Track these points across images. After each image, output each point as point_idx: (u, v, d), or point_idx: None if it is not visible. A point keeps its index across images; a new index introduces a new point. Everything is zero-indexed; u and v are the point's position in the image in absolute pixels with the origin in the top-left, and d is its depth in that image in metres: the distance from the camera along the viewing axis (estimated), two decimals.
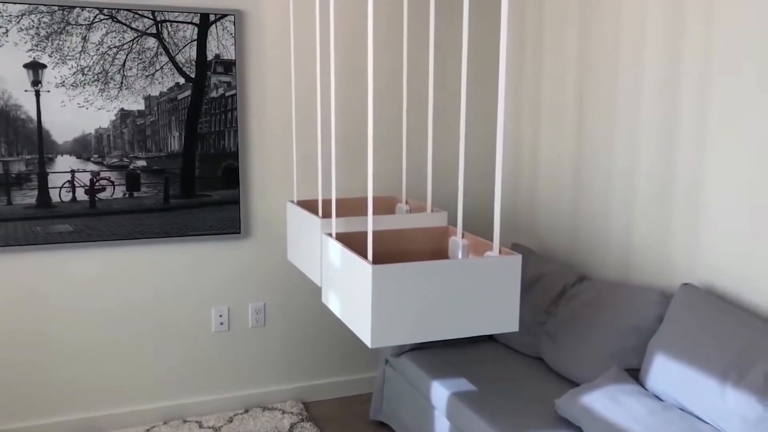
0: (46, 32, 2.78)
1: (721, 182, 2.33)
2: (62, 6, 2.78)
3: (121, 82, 2.92)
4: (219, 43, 3.03)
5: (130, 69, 2.92)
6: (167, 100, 2.99)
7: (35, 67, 2.79)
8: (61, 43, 2.80)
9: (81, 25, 2.82)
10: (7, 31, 2.73)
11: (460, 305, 1.87)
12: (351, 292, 1.94)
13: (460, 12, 3.39)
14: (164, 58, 2.96)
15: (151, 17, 2.91)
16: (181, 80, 3.00)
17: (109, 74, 2.90)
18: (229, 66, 3.06)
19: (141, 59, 2.93)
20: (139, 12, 2.89)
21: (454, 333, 1.88)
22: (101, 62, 2.87)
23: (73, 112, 2.87)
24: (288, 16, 3.11)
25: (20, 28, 2.74)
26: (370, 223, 1.90)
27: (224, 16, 3.01)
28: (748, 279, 2.24)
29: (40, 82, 2.80)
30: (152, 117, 2.99)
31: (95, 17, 2.83)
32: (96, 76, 2.88)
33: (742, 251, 2.26)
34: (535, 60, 3.26)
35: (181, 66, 2.99)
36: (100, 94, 2.89)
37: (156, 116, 2.99)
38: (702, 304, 2.21)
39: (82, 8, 2.81)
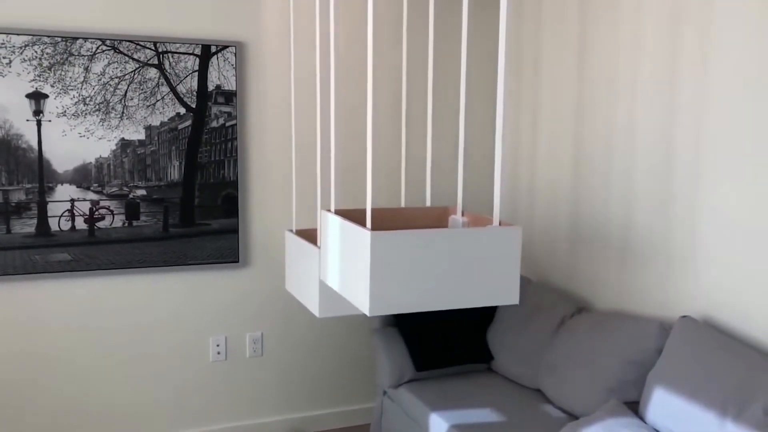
0: (49, 63, 2.81)
1: (719, 213, 2.33)
2: (65, 37, 2.81)
3: (122, 112, 2.94)
4: (220, 74, 3.06)
5: (132, 99, 2.95)
6: (168, 129, 3.02)
7: (37, 97, 2.82)
8: (63, 73, 2.83)
9: (83, 55, 2.85)
10: (10, 61, 2.75)
11: (459, 275, 1.86)
12: (350, 262, 1.93)
13: (460, 32, 3.42)
14: (165, 89, 2.99)
15: (153, 48, 2.94)
16: (182, 110, 3.02)
17: (111, 104, 2.92)
18: (229, 96, 3.08)
19: (142, 89, 2.96)
20: (141, 43, 2.92)
21: (453, 303, 1.86)
22: (103, 92, 2.90)
23: (74, 141, 2.88)
24: (288, 47, 3.15)
25: (23, 58, 2.77)
26: (369, 197, 1.90)
27: (225, 47, 3.04)
28: (746, 311, 2.24)
29: (41, 112, 2.83)
30: (153, 146, 3.01)
31: (97, 48, 2.87)
32: (97, 106, 2.90)
33: (740, 284, 2.26)
34: (533, 90, 3.28)
35: (182, 96, 3.01)
36: (101, 123, 2.91)
37: (156, 146, 3.01)
38: (701, 337, 2.20)
39: (85, 39, 2.84)
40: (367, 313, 1.82)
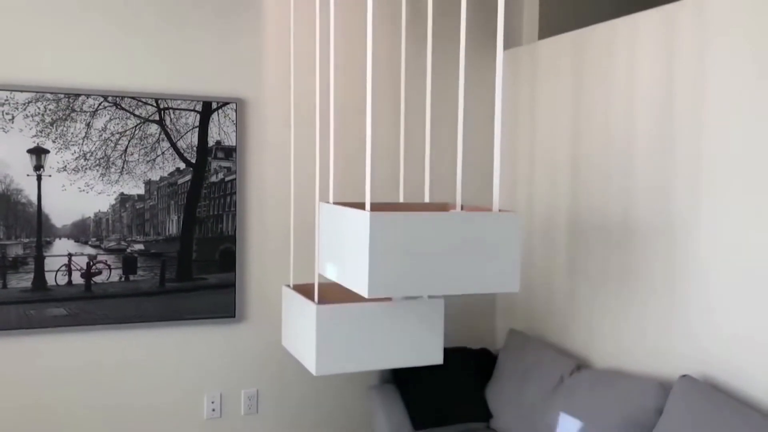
0: (52, 119, 2.84)
1: (721, 270, 2.33)
2: (68, 93, 2.85)
3: (122, 167, 2.96)
4: (220, 130, 3.09)
5: (132, 154, 2.98)
6: (167, 184, 3.04)
7: (38, 153, 2.84)
8: (65, 129, 2.87)
9: (85, 111, 2.89)
10: (13, 117, 2.79)
11: (458, 260, 1.83)
12: (349, 246, 1.90)
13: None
14: (166, 144, 3.02)
15: (155, 105, 2.98)
16: (182, 165, 3.05)
17: (111, 159, 2.95)
18: (229, 152, 3.11)
19: (143, 145, 2.99)
20: (143, 100, 2.96)
21: (453, 289, 1.83)
22: (103, 148, 2.93)
23: (74, 196, 2.90)
24: (289, 104, 3.19)
25: (26, 114, 2.81)
26: (368, 176, 1.90)
27: (226, 103, 3.09)
28: (746, 371, 2.22)
29: (42, 167, 2.85)
30: (152, 201, 3.02)
31: (100, 104, 2.91)
32: (98, 161, 2.93)
33: (740, 342, 2.24)
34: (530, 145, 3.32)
35: (182, 152, 3.04)
36: (101, 178, 2.93)
37: (155, 200, 3.03)
38: (701, 398, 2.17)
39: (88, 96, 2.88)
40: (366, 295, 1.77)
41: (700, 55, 2.38)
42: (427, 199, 2.47)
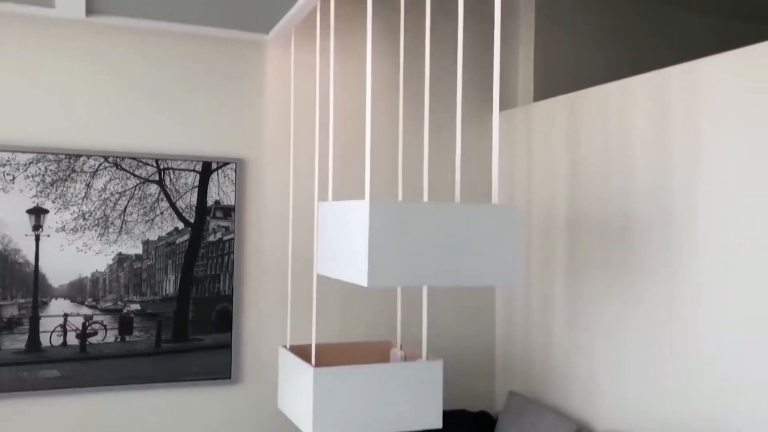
0: (52, 179, 2.86)
1: (717, 335, 2.32)
2: (69, 154, 2.88)
3: (121, 227, 2.97)
4: (219, 190, 3.11)
5: (131, 214, 2.99)
6: (165, 244, 3.04)
7: (37, 213, 2.85)
8: (65, 189, 2.88)
9: (86, 172, 2.92)
10: (14, 178, 2.81)
11: (457, 251, 1.83)
12: (348, 239, 1.89)
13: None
14: (165, 204, 3.03)
15: (155, 165, 3.01)
16: (180, 225, 3.06)
17: (110, 219, 2.95)
18: (228, 211, 3.13)
19: (142, 205, 3.00)
20: (143, 160, 2.99)
21: (452, 280, 1.82)
22: (103, 208, 2.94)
23: (71, 256, 2.90)
24: (288, 164, 3.22)
25: (27, 175, 2.83)
26: (368, 172, 1.88)
27: (226, 164, 3.12)
28: None
29: (41, 227, 2.85)
30: (149, 261, 3.02)
31: (100, 165, 2.93)
32: (96, 221, 2.94)
33: (747, 405, 2.21)
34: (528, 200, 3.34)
35: (181, 211, 3.06)
36: (99, 238, 2.94)
37: (153, 260, 3.02)
38: None
39: (88, 156, 2.91)
40: (366, 284, 1.75)
41: (691, 115, 2.42)
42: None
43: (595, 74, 3.63)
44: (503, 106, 3.59)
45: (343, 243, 1.95)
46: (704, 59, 2.38)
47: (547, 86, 3.53)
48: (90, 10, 2.81)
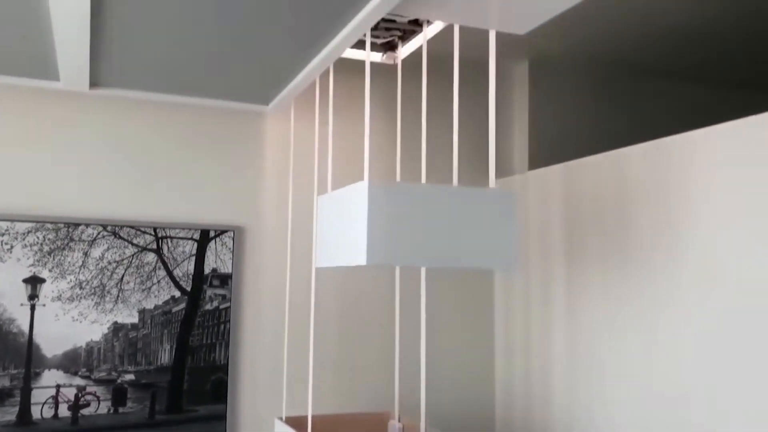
0: (50, 248, 2.87)
1: None
2: (68, 223, 2.89)
3: (117, 296, 2.96)
4: (217, 258, 3.12)
5: (128, 283, 2.98)
6: (161, 313, 3.02)
7: (34, 282, 2.85)
8: (62, 258, 2.88)
9: (84, 240, 2.92)
10: (11, 247, 2.82)
11: (455, 232, 1.87)
12: (346, 222, 1.91)
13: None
14: (162, 272, 3.03)
15: (153, 234, 3.02)
16: (177, 293, 3.04)
17: (106, 288, 2.94)
18: (225, 279, 3.12)
19: (139, 273, 3.00)
20: (142, 228, 3.00)
21: (450, 261, 1.86)
22: (99, 276, 2.93)
23: (66, 325, 2.87)
24: (286, 232, 3.23)
25: (25, 244, 2.83)
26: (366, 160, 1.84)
27: (224, 231, 3.13)
28: None
29: (37, 296, 2.84)
30: (145, 330, 2.99)
31: (98, 233, 2.94)
32: (93, 290, 2.92)
33: None
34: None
35: (178, 280, 3.05)
36: (95, 307, 2.92)
37: (149, 329, 3.00)
38: None
39: (87, 225, 2.92)
40: (365, 262, 1.75)
41: (688, 185, 2.44)
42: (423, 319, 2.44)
43: (591, 142, 3.68)
44: (499, 174, 3.63)
45: (342, 228, 1.99)
46: (700, 130, 2.42)
47: (543, 154, 3.58)
48: (93, 83, 2.87)
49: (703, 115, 3.97)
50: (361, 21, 2.01)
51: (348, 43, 2.20)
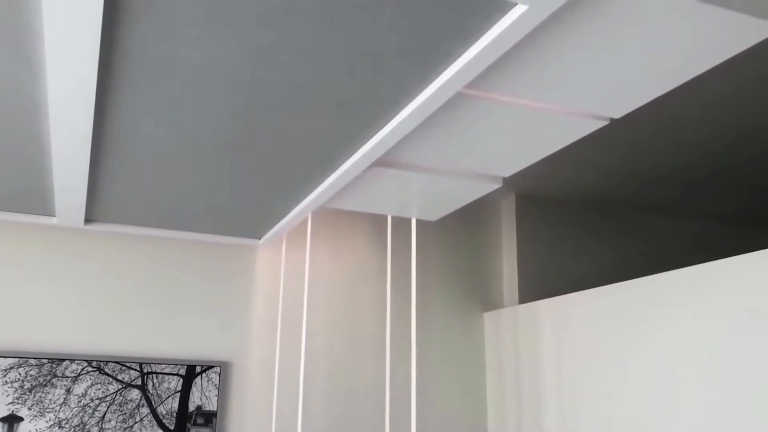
0: (31, 385, 2.80)
1: None
2: (52, 359, 2.84)
3: None
4: (202, 394, 3.04)
5: (110, 421, 2.89)
6: None
7: (11, 421, 2.75)
8: (43, 395, 2.81)
9: (67, 377, 2.86)
10: None
11: None
12: None
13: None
14: (145, 410, 2.94)
15: (138, 369, 2.96)
16: None
17: (87, 427, 2.85)
18: (209, 417, 3.03)
19: (122, 411, 2.91)
20: (127, 364, 2.95)
21: None
22: (81, 414, 2.85)
23: None
24: (273, 368, 3.18)
25: (6, 380, 2.77)
26: None
27: (210, 367, 3.07)
28: None
29: None
30: None
31: (82, 369, 2.88)
32: (73, 429, 2.83)
33: None
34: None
35: (161, 418, 2.96)
36: None
37: None
38: None
39: (72, 360, 2.87)
40: None
41: (675, 323, 2.45)
42: None
43: (579, 278, 3.71)
44: (490, 307, 3.63)
45: None
46: (685, 269, 2.45)
47: (532, 289, 3.60)
48: (88, 219, 2.91)
49: (690, 249, 4.02)
50: (352, 166, 2.09)
51: (340, 184, 2.27)
